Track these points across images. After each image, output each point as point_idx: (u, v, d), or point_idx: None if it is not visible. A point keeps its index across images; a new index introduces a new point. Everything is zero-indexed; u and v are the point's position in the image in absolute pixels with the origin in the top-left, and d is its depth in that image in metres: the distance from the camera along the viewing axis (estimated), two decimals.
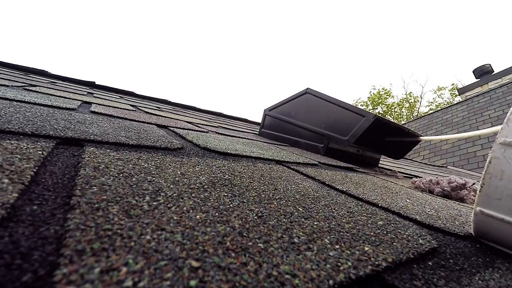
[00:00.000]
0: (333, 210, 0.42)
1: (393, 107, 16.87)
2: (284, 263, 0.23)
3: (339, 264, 0.25)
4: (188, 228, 0.25)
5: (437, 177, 1.01)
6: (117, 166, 0.38)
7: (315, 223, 0.34)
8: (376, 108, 16.98)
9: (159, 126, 0.97)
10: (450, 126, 5.92)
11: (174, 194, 0.33)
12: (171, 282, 0.18)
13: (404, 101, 16.85)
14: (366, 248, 0.30)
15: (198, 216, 0.28)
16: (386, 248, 0.31)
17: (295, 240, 0.28)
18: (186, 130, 1.02)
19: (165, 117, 1.39)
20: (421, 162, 4.75)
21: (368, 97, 17.20)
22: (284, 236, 0.29)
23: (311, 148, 1.50)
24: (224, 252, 0.23)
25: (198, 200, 0.33)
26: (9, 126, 0.44)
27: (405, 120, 16.47)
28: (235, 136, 1.28)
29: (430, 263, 0.31)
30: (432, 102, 16.17)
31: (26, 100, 0.75)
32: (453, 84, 15.46)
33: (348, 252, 0.28)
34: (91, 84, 2.75)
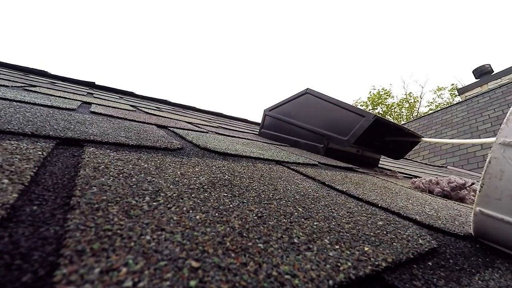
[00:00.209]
0: (333, 210, 0.42)
1: (393, 107, 16.88)
2: (284, 263, 0.23)
3: (339, 264, 0.25)
4: (188, 229, 0.25)
5: (437, 177, 1.01)
6: (117, 166, 0.38)
7: (315, 223, 0.34)
8: (376, 108, 16.99)
9: (159, 126, 0.97)
10: (450, 126, 5.92)
11: (174, 195, 0.33)
12: (171, 282, 0.18)
13: (404, 101, 16.87)
14: (366, 248, 0.30)
15: (198, 217, 0.28)
16: (386, 248, 0.31)
17: (295, 240, 0.28)
18: (186, 131, 1.02)
19: (165, 117, 1.39)
20: (421, 162, 4.75)
21: (368, 97, 17.21)
22: (284, 236, 0.29)
23: (311, 148, 1.50)
24: (224, 252, 0.23)
25: (198, 201, 0.33)
26: (9, 127, 0.44)
27: (405, 120, 16.48)
28: (235, 137, 1.28)
29: (430, 263, 0.31)
30: (432, 102, 16.19)
31: (26, 101, 0.75)
32: (453, 84, 15.49)
33: (348, 252, 0.28)
34: (91, 85, 2.75)
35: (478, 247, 0.41)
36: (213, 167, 0.52)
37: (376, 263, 0.27)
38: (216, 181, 0.43)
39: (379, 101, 16.89)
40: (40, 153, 0.36)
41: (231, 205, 0.34)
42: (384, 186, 0.81)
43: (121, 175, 0.35)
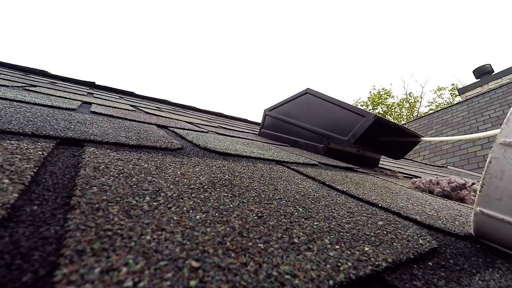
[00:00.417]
0: (333, 210, 0.42)
1: (393, 107, 16.87)
2: (284, 263, 0.23)
3: (339, 264, 0.25)
4: (188, 228, 0.25)
5: (437, 177, 1.01)
6: (117, 166, 0.38)
7: (315, 223, 0.34)
8: (376, 108, 16.98)
9: (159, 126, 0.97)
10: (450, 126, 5.92)
11: (174, 194, 0.33)
12: (171, 282, 0.18)
13: (404, 101, 16.86)
14: (366, 248, 0.30)
15: (198, 216, 0.28)
16: (386, 248, 0.31)
17: (295, 240, 0.28)
18: (186, 130, 1.02)
19: (165, 117, 1.39)
20: (421, 162, 4.75)
21: (368, 97, 17.21)
22: (284, 236, 0.29)
23: (311, 148, 1.50)
24: (224, 252, 0.23)
25: (198, 200, 0.33)
26: (9, 127, 0.44)
27: (405, 120, 16.48)
28: (235, 136, 1.28)
29: (430, 263, 0.31)
30: (432, 102, 16.18)
31: (26, 101, 0.75)
32: (453, 84, 15.48)
33: (348, 252, 0.28)
34: (91, 85, 2.75)
35: (478, 247, 0.41)
36: (213, 167, 0.52)
37: (377, 263, 0.27)
38: (216, 181, 0.43)
39: (379, 101, 16.88)
40: (41, 153, 0.36)
41: (231, 205, 0.34)
42: (384, 186, 0.81)
43: (121, 175, 0.35)
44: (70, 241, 0.19)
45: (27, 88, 1.16)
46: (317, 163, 0.99)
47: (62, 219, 0.23)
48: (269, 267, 0.22)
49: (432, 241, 0.37)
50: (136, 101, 2.31)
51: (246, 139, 1.31)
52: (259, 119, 3.02)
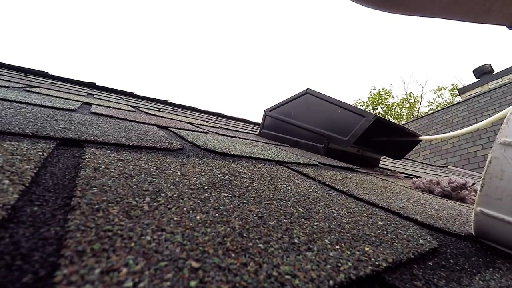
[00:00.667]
0: (333, 211, 0.42)
1: (393, 107, 16.87)
2: (284, 263, 0.23)
3: (339, 264, 0.25)
4: (188, 229, 0.25)
5: (437, 177, 1.01)
6: (117, 167, 0.38)
7: (315, 223, 0.34)
8: (376, 109, 16.98)
9: (159, 127, 0.97)
10: (451, 126, 5.92)
11: (174, 195, 0.33)
12: (171, 282, 0.18)
13: (404, 101, 16.86)
14: (367, 249, 0.30)
15: (198, 217, 0.28)
16: (386, 249, 0.31)
17: (295, 240, 0.28)
18: (186, 131, 1.02)
19: (165, 117, 1.39)
20: (422, 162, 4.75)
21: (368, 97, 17.21)
22: (284, 236, 0.29)
23: (311, 148, 1.50)
24: (224, 252, 0.23)
25: (198, 201, 0.33)
26: (9, 127, 0.44)
27: (405, 120, 16.47)
28: (235, 137, 1.28)
29: (430, 263, 0.31)
30: (432, 102, 16.18)
31: (26, 101, 0.75)
32: (453, 84, 15.48)
33: (348, 252, 0.28)
34: (92, 85, 2.75)
35: (478, 247, 0.41)
36: (214, 167, 0.53)
37: (377, 263, 0.27)
38: (217, 181, 0.43)
39: (380, 101, 16.88)
40: (41, 153, 0.37)
41: (231, 206, 0.34)
42: (385, 186, 0.80)
43: (121, 176, 0.35)
44: (70, 241, 0.19)
45: (28, 89, 1.16)
46: (317, 163, 0.99)
47: (63, 219, 0.23)
48: (269, 267, 0.22)
49: (433, 241, 0.37)
50: (136, 101, 2.31)
51: (246, 139, 1.31)
52: (259, 119, 3.02)
